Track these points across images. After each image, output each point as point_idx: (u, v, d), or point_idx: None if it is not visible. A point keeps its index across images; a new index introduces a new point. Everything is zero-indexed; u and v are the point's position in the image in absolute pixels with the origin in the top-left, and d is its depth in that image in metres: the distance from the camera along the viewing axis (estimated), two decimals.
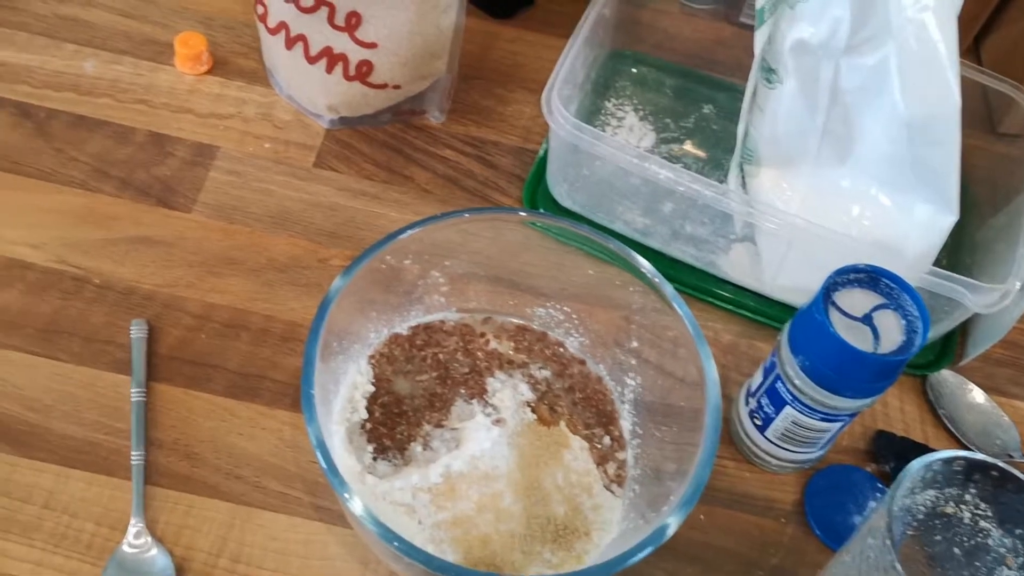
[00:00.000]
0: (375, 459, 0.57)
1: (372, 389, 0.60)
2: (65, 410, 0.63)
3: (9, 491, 0.60)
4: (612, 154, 0.68)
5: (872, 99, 0.63)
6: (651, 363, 0.63)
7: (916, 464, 0.47)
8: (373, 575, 0.59)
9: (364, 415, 0.58)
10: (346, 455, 0.56)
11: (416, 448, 0.58)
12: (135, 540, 0.58)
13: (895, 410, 0.70)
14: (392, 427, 0.58)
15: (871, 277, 0.57)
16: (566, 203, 0.77)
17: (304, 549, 0.60)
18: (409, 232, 0.58)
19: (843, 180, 0.68)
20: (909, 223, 0.66)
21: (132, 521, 0.59)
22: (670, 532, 0.49)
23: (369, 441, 0.58)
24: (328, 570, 0.59)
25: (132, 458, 0.61)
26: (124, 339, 0.66)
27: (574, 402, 0.62)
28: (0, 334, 0.66)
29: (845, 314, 0.56)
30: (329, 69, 0.75)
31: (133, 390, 0.64)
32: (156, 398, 0.64)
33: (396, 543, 0.47)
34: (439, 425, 0.59)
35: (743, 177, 0.72)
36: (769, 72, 0.65)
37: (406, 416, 0.59)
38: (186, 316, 0.68)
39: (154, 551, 0.58)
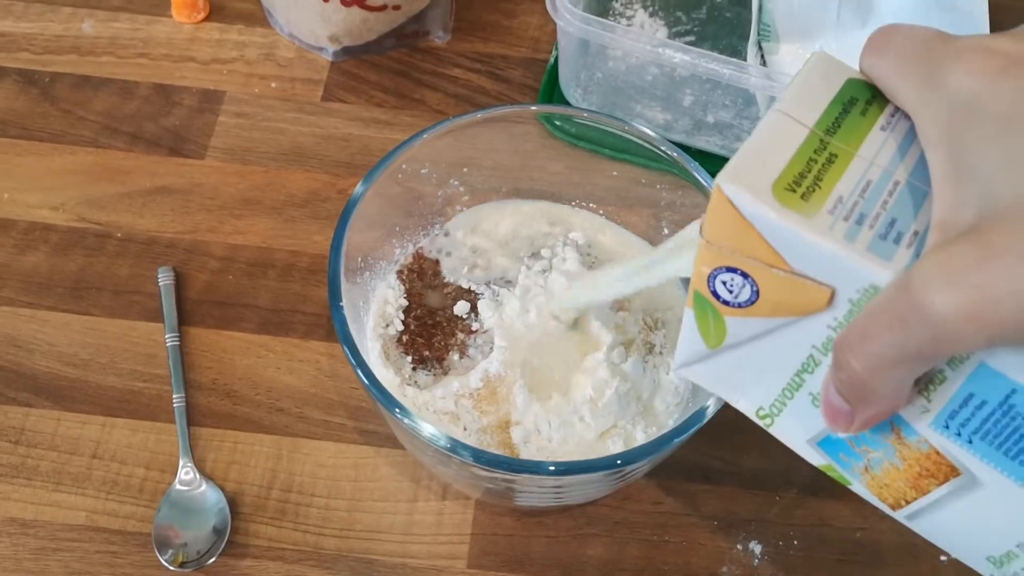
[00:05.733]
0: (414, 369, 0.56)
1: (406, 303, 0.59)
2: (103, 362, 0.63)
3: (56, 445, 0.60)
4: (623, 43, 0.66)
5: None
6: None
7: None
8: (425, 491, 0.59)
9: (399, 327, 0.58)
10: (384, 369, 0.55)
11: (454, 356, 0.57)
12: (185, 479, 0.58)
13: None
14: (429, 337, 0.57)
15: None
16: (582, 108, 0.75)
17: (354, 473, 0.59)
18: (425, 136, 0.57)
19: None
20: None
21: (180, 462, 0.59)
22: (709, 413, 0.48)
23: (406, 353, 0.57)
24: (380, 491, 0.59)
25: (173, 401, 0.61)
26: (152, 288, 0.66)
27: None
28: (32, 295, 0.66)
29: None
30: None
31: (167, 336, 0.63)
32: (190, 342, 0.64)
33: (443, 443, 0.46)
34: (471, 332, 0.58)
35: (762, 56, 0.70)
36: None
37: (440, 327, 0.58)
38: (211, 260, 0.68)
39: (204, 487, 0.58)
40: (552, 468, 0.47)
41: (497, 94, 0.78)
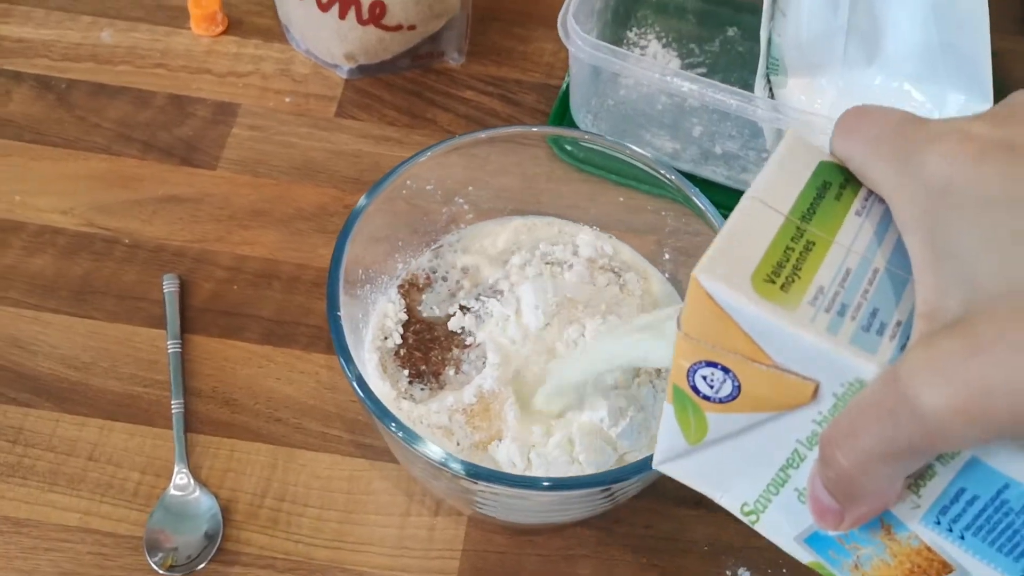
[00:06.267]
0: (410, 383, 0.57)
1: (405, 317, 0.59)
2: (104, 366, 0.63)
3: (54, 445, 0.60)
4: (634, 71, 0.67)
5: None
6: (683, 283, 0.62)
7: None
8: (418, 506, 0.59)
9: (398, 340, 0.58)
10: (380, 382, 0.56)
11: (450, 371, 0.57)
12: (180, 484, 0.58)
13: None
14: (426, 352, 0.58)
15: None
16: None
17: (348, 485, 0.59)
18: (430, 152, 0.57)
19: (874, 79, 0.66)
20: (942, 115, 0.64)
21: (176, 468, 0.59)
22: None
23: (403, 367, 0.57)
24: (373, 504, 0.59)
25: (172, 407, 0.61)
26: (157, 295, 0.66)
27: None
28: (36, 297, 0.66)
29: None
30: (342, 15, 0.74)
31: (169, 342, 0.64)
32: (192, 349, 0.64)
33: (434, 455, 0.46)
34: (465, 347, 0.58)
35: (770, 89, 0.71)
36: None
37: (439, 341, 0.58)
38: (217, 269, 0.68)
39: (198, 493, 0.58)
40: (546, 484, 0.47)
41: (508, 117, 0.79)
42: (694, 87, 0.65)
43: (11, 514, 0.58)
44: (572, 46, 0.67)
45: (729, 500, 0.40)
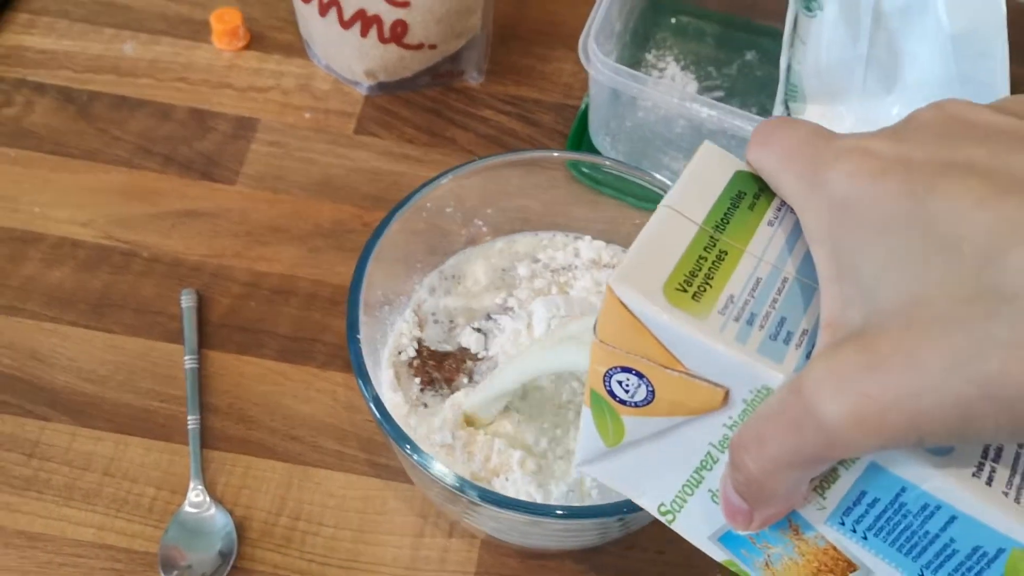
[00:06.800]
0: (422, 391, 0.57)
1: (420, 333, 0.60)
2: (120, 380, 0.64)
3: (70, 459, 0.60)
4: (653, 95, 0.67)
5: (915, 19, 0.62)
6: None
7: None
8: (432, 527, 0.59)
9: (412, 353, 0.59)
10: (393, 394, 0.56)
11: (463, 380, 0.58)
12: (195, 501, 0.58)
13: None
14: (440, 361, 0.58)
15: None
16: (610, 155, 0.76)
17: (362, 505, 0.60)
18: (453, 174, 0.58)
19: (892, 109, 0.66)
20: None
21: (191, 484, 0.59)
22: None
23: (416, 375, 0.58)
24: (387, 524, 0.59)
25: (188, 423, 0.61)
26: (175, 310, 0.67)
27: None
28: (54, 310, 0.67)
29: None
30: (364, 32, 0.75)
31: (186, 357, 0.64)
32: (209, 365, 0.65)
33: (450, 480, 0.47)
34: (477, 359, 0.59)
35: (788, 115, 0.71)
36: (808, 0, 0.64)
37: (453, 355, 0.59)
38: (235, 284, 0.69)
39: (213, 511, 0.58)
40: (560, 512, 0.47)
41: (527, 137, 0.79)
42: (712, 113, 0.66)
43: (26, 528, 0.58)
44: (592, 69, 0.67)
45: (647, 501, 0.41)
